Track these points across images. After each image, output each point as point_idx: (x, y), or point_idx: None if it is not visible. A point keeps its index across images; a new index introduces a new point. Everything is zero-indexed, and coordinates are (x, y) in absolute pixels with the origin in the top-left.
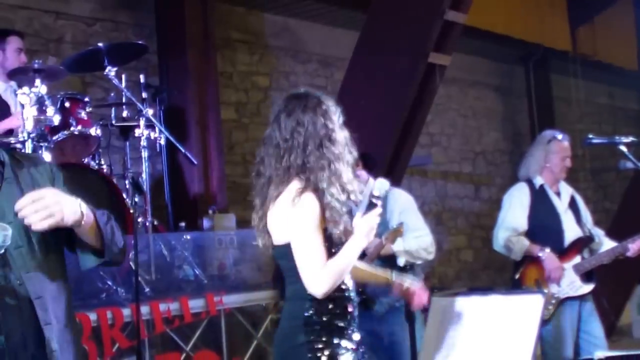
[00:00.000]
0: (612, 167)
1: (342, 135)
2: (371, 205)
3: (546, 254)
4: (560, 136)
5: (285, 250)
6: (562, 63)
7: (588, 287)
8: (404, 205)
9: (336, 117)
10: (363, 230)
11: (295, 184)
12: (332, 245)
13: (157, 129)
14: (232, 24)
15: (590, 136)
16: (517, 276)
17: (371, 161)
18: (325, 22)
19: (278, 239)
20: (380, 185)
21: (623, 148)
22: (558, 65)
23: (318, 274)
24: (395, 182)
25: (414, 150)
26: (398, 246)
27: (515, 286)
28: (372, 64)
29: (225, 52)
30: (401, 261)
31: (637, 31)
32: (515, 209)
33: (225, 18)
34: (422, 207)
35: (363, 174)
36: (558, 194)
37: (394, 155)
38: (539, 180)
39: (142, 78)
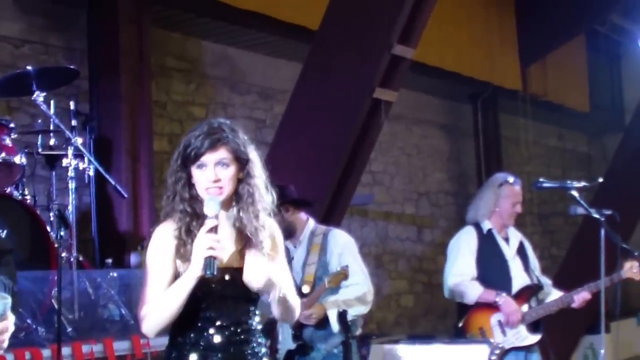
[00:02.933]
0: (560, 212)
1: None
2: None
3: (503, 299)
4: (512, 180)
5: None
6: (512, 102)
7: (534, 338)
8: (343, 246)
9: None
10: (196, 256)
11: None
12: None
13: (86, 159)
14: (169, 51)
15: (541, 180)
16: (460, 324)
17: (301, 202)
18: (266, 52)
19: None
20: (212, 203)
21: (574, 193)
22: (507, 105)
23: (140, 313)
24: (336, 222)
25: (355, 189)
26: (330, 297)
27: (458, 334)
28: (315, 97)
29: (160, 80)
30: (332, 317)
31: (590, 72)
32: (464, 254)
33: (161, 44)
34: (361, 249)
35: (302, 215)
36: (506, 239)
37: (335, 194)
38: (487, 225)
39: (72, 105)
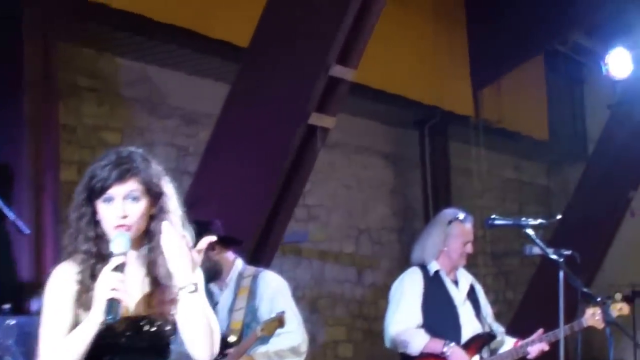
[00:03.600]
0: (516, 252)
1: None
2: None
3: (451, 349)
4: (462, 217)
5: None
6: (463, 129)
7: None
8: (276, 290)
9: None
10: (97, 298)
11: None
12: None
13: None
14: (79, 69)
15: (493, 216)
16: None
17: (229, 240)
18: (190, 71)
19: None
20: (119, 238)
21: (529, 231)
22: (458, 132)
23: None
24: (266, 262)
25: (287, 225)
26: (260, 348)
27: None
28: (243, 123)
29: (69, 101)
30: None
31: (549, 96)
32: (408, 299)
33: (71, 61)
34: (295, 292)
35: (229, 255)
36: (455, 282)
37: (265, 231)
38: (434, 266)
39: None
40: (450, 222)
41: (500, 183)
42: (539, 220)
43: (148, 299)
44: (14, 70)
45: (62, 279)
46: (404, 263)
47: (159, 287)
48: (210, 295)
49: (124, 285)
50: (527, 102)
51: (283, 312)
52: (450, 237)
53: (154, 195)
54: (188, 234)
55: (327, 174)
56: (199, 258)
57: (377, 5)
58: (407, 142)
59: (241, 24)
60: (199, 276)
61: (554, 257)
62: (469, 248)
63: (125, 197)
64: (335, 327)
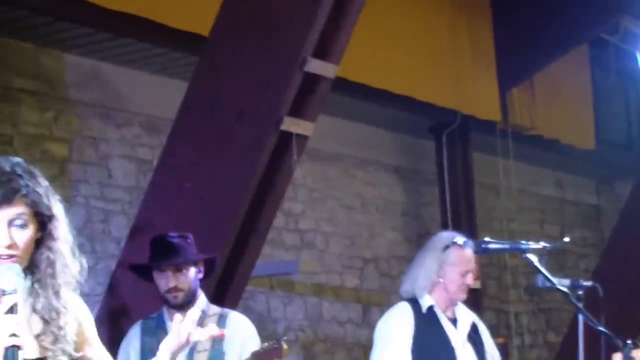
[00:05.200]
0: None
1: None
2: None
3: None
4: (461, 241)
5: None
6: (488, 137)
7: None
8: (246, 335)
9: None
10: None
11: None
12: None
13: None
14: (16, 67)
15: (486, 239)
16: None
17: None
18: (153, 69)
19: None
20: (9, 272)
21: (531, 257)
22: (482, 141)
23: None
24: (233, 299)
25: (258, 255)
26: None
27: None
28: (203, 130)
29: (4, 106)
30: None
31: (595, 96)
32: (394, 342)
33: (5, 57)
34: (285, 334)
35: None
36: (453, 320)
37: (231, 261)
38: (427, 301)
39: None
40: (445, 247)
41: (537, 202)
42: (542, 244)
43: (39, 339)
44: None
45: None
46: None
47: (48, 324)
48: (162, 328)
49: (21, 329)
50: (567, 104)
51: (282, 339)
52: (446, 266)
53: (43, 218)
54: (78, 265)
55: (323, 192)
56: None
57: None
58: (421, 153)
59: (211, 11)
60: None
61: (562, 289)
62: (469, 279)
63: (11, 223)
64: None
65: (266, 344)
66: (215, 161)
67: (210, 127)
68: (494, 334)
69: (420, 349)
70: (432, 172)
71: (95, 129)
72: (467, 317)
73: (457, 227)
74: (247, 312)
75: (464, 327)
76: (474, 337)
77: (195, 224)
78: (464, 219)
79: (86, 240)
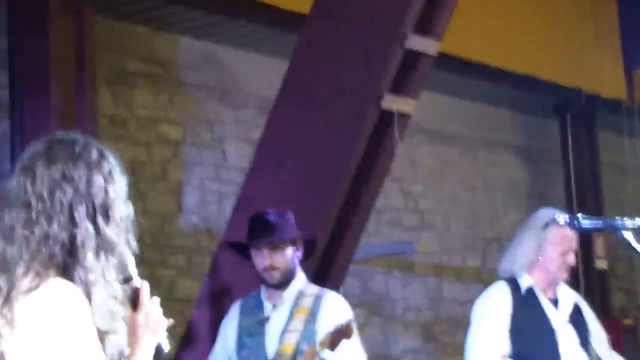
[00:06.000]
0: None
1: (126, 212)
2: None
3: None
4: (562, 219)
5: None
6: (614, 117)
7: None
8: (335, 314)
9: (122, 184)
10: (149, 328)
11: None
12: None
13: None
14: (130, 50)
15: (579, 215)
16: None
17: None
18: (267, 51)
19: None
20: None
21: (627, 235)
22: (607, 120)
23: None
24: (335, 279)
25: (361, 234)
26: None
27: None
28: (302, 109)
29: (118, 89)
30: None
31: None
32: (491, 323)
33: (119, 41)
34: (405, 315)
35: None
36: (554, 301)
37: (332, 241)
38: (526, 281)
39: None
40: (545, 225)
41: None
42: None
43: None
44: (40, 55)
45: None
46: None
47: None
48: (260, 307)
49: None
50: None
51: (351, 320)
52: (545, 245)
53: None
54: None
55: (444, 172)
56: None
57: None
58: (545, 133)
59: None
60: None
61: None
62: (571, 258)
63: None
64: (456, 357)
65: (338, 324)
66: (316, 140)
67: (310, 105)
68: (623, 315)
69: (519, 330)
70: (557, 153)
71: (210, 111)
72: (569, 297)
73: (583, 208)
74: (365, 292)
75: (565, 308)
76: (576, 318)
77: (296, 202)
78: (589, 200)
79: (201, 221)
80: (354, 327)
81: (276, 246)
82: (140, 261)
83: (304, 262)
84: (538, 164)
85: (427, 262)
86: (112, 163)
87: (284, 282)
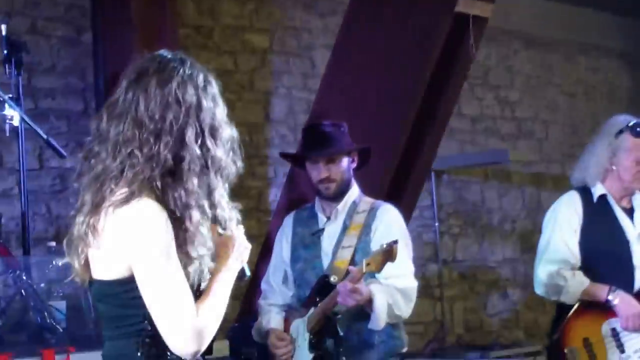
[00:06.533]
0: None
1: (229, 133)
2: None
3: (619, 297)
4: (636, 125)
5: (113, 289)
6: None
7: None
8: (392, 223)
9: (224, 109)
10: (235, 251)
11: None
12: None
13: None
14: None
15: None
16: (556, 335)
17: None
18: None
19: (103, 271)
20: None
21: None
22: None
23: (188, 326)
24: (414, 189)
25: (438, 142)
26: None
27: (553, 349)
28: (375, 14)
29: None
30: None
31: None
32: (562, 232)
33: None
34: (502, 224)
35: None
36: (630, 211)
37: (409, 151)
38: (599, 190)
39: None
40: (619, 132)
41: None
42: None
43: None
44: None
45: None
46: None
47: None
48: (314, 218)
49: None
50: None
51: (395, 242)
52: (619, 152)
53: None
54: None
55: (542, 79)
56: None
57: None
58: None
59: None
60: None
61: None
62: None
63: None
64: None
65: (384, 244)
66: (390, 47)
67: (381, 10)
68: None
69: (590, 240)
70: None
71: (297, 18)
72: None
73: None
74: (460, 202)
75: None
76: None
77: (371, 112)
78: None
79: (289, 131)
80: (403, 245)
81: (332, 158)
82: None
83: (376, 171)
84: None
85: (525, 171)
86: (215, 85)
87: (340, 193)
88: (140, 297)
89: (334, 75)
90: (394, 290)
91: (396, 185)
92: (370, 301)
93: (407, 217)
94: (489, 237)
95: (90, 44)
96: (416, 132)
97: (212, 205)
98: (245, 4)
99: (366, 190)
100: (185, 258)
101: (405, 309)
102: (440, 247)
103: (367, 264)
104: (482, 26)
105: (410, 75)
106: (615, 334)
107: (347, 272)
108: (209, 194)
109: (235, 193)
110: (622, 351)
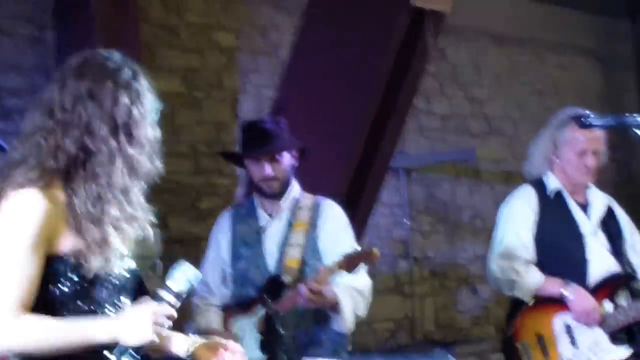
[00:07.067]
0: None
1: (152, 134)
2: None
3: (574, 291)
4: (579, 118)
5: None
6: None
7: (622, 352)
8: (340, 224)
9: (150, 109)
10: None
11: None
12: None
13: None
14: None
15: (589, 113)
16: (509, 331)
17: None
18: None
19: None
20: (185, 272)
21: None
22: None
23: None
24: (374, 184)
25: (398, 138)
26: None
27: (507, 344)
28: (332, 15)
29: None
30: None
31: None
32: (515, 226)
33: None
34: (473, 222)
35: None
36: (584, 205)
37: (368, 147)
38: (552, 183)
39: None
40: (562, 124)
41: None
42: None
43: None
44: None
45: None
46: (619, 187)
47: None
48: (254, 216)
49: None
50: None
51: (370, 248)
52: (562, 146)
53: None
54: None
55: (511, 77)
56: None
57: None
58: (617, 34)
59: None
60: None
61: None
62: (589, 160)
63: None
64: None
65: (359, 248)
66: (349, 43)
67: (342, 9)
68: None
69: (544, 235)
70: (631, 55)
71: (264, 17)
72: (600, 201)
73: None
74: (431, 199)
75: (596, 213)
76: (609, 223)
77: (331, 109)
78: None
79: None
80: (353, 242)
81: (275, 156)
82: (197, 170)
83: (337, 167)
84: (611, 67)
85: (495, 169)
86: (144, 85)
87: (282, 191)
88: None
89: (293, 72)
90: (354, 292)
91: (357, 180)
92: (335, 304)
93: (368, 212)
94: (460, 234)
95: (54, 43)
96: (376, 127)
97: (128, 203)
98: (213, 1)
99: (327, 186)
100: (86, 247)
101: (363, 309)
102: (411, 244)
103: (340, 265)
104: (440, 21)
105: (369, 71)
106: (568, 329)
107: (300, 272)
108: (123, 191)
109: (204, 191)
110: (575, 346)
